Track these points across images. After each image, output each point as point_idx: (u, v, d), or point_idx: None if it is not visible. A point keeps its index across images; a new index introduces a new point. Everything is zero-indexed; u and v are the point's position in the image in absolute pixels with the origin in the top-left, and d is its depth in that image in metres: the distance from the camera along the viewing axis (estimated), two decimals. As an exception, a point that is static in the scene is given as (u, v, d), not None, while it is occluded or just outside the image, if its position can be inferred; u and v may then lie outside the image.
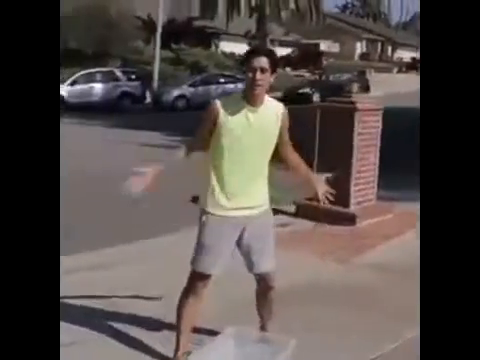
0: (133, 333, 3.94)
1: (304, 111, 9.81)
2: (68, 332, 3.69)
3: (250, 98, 3.30)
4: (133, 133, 16.26)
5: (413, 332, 3.66)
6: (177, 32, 36.23)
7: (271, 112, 3.40)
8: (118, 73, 24.68)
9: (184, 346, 3.47)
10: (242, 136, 3.31)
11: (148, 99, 25.21)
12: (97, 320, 4.14)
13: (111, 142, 14.44)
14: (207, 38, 39.98)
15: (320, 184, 3.72)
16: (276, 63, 3.32)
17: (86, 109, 21.98)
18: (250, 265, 3.51)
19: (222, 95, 21.16)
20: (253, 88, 3.25)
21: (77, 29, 29.36)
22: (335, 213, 6.49)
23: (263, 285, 3.60)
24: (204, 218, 3.38)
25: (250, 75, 3.23)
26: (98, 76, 24.21)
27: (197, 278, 3.42)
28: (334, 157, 6.56)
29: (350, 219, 6.42)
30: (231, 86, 25.56)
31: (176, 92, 24.60)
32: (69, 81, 23.16)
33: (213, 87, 24.98)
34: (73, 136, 15.63)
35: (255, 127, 3.32)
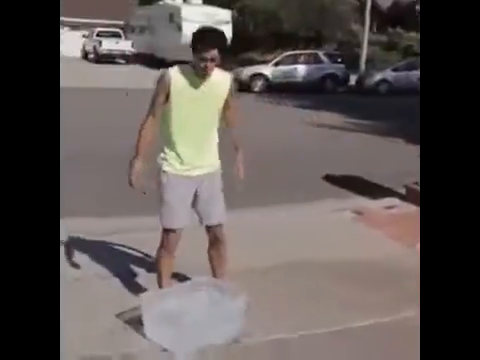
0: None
1: None
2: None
3: (200, 76, 3.61)
4: (324, 114, 16.68)
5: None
6: (398, 16, 35.65)
7: (220, 81, 3.71)
8: (322, 56, 25.17)
9: None
10: (192, 105, 3.64)
11: (351, 82, 25.38)
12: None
13: (299, 122, 15.02)
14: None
15: (239, 161, 3.99)
16: (225, 48, 3.58)
17: (290, 89, 22.92)
18: (201, 218, 3.90)
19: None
20: (202, 74, 3.59)
21: (291, 12, 30.32)
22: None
23: (213, 237, 3.94)
24: (161, 178, 3.76)
25: (201, 65, 3.53)
26: (302, 58, 24.89)
27: (165, 234, 3.82)
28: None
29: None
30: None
31: (379, 76, 24.44)
32: (273, 62, 24.28)
33: (415, 72, 24.36)
34: (267, 114, 16.66)
35: (205, 96, 3.65)
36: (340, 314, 4.12)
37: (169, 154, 3.75)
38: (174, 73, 3.63)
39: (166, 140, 3.76)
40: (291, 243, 5.49)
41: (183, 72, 3.64)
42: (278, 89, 22.87)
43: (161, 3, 32.38)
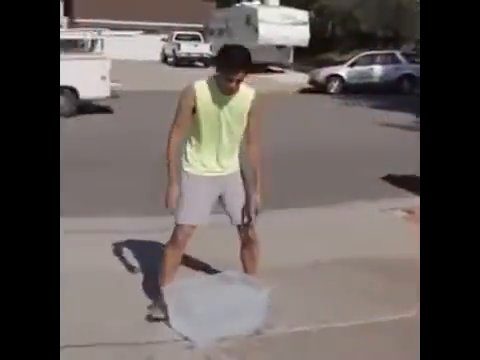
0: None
1: None
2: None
3: (225, 93, 3.68)
4: (397, 115, 16.42)
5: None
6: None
7: (243, 98, 3.75)
8: (399, 56, 24.66)
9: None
10: (216, 118, 3.72)
11: (430, 82, 24.74)
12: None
13: (370, 122, 14.92)
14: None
15: (257, 199, 3.91)
16: (251, 67, 3.60)
17: (366, 90, 22.61)
18: (231, 218, 3.99)
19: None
20: (229, 92, 3.66)
21: (369, 12, 29.88)
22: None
23: (244, 237, 4.01)
24: (182, 177, 3.87)
25: (227, 85, 3.60)
26: (379, 58, 24.48)
27: (177, 229, 3.89)
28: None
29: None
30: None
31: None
32: (349, 62, 24.01)
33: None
34: (338, 115, 16.73)
35: (228, 111, 3.72)
36: (371, 308, 4.17)
37: (192, 156, 3.85)
38: (199, 88, 3.70)
39: (192, 143, 3.86)
40: (336, 241, 5.57)
41: (208, 86, 3.70)
42: (354, 90, 22.62)
43: (238, 5, 32.59)
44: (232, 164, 3.95)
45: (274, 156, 9.86)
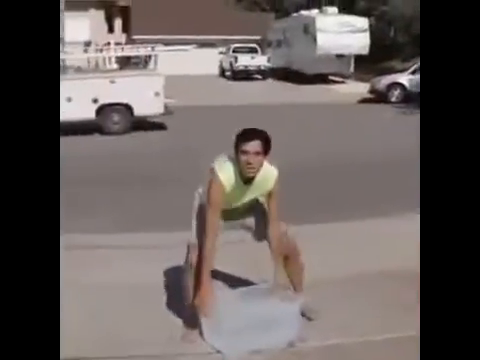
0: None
1: None
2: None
3: (245, 178, 3.69)
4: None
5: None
6: None
7: (264, 179, 3.75)
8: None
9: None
10: (238, 198, 3.81)
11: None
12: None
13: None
14: None
15: (282, 273, 3.88)
16: (269, 144, 3.61)
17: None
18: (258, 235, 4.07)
19: None
20: (247, 171, 3.63)
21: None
22: None
23: (283, 251, 3.92)
24: (196, 198, 4.02)
25: (244, 158, 3.58)
26: (443, 64, 23.54)
27: (191, 247, 3.92)
28: None
29: None
30: None
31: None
32: (411, 70, 23.19)
33: None
34: (398, 124, 16.65)
35: (248, 193, 3.81)
36: (412, 321, 3.85)
37: None
38: (224, 179, 3.68)
39: None
40: (384, 252, 5.47)
41: (230, 175, 3.71)
42: (416, 98, 21.73)
43: (296, 15, 32.12)
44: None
45: (325, 167, 10.01)
